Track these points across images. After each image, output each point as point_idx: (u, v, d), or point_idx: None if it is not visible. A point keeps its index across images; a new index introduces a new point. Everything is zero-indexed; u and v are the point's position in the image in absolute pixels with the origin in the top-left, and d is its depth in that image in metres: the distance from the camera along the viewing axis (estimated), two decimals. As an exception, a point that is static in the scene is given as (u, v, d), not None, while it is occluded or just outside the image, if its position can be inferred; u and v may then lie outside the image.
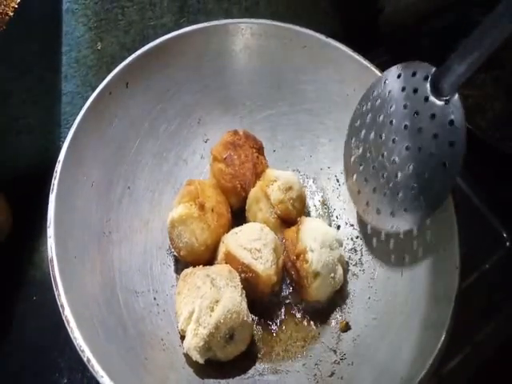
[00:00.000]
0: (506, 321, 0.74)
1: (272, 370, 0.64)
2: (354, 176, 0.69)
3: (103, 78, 0.68)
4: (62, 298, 0.53)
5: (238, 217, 0.73)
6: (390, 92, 0.62)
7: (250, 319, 0.62)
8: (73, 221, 0.60)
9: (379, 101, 0.64)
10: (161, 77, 0.74)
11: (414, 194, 0.60)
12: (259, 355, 0.65)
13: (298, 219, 0.69)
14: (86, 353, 0.50)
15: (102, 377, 0.50)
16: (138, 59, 0.70)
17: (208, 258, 0.68)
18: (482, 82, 0.92)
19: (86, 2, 0.73)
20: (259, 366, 0.64)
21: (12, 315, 0.70)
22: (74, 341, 0.51)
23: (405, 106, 0.60)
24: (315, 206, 0.78)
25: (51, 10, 0.71)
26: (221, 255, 0.66)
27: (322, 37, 0.75)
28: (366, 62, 0.72)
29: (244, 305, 0.61)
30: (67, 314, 0.52)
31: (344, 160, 0.71)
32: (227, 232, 0.69)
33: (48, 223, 0.57)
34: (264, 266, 0.64)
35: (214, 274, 0.62)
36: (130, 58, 0.70)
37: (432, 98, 0.56)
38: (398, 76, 0.61)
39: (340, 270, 0.67)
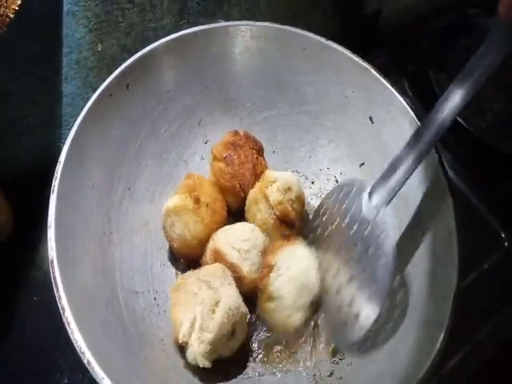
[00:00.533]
0: (505, 321, 0.74)
1: (271, 370, 0.64)
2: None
3: (104, 80, 0.68)
4: (63, 300, 0.53)
5: (238, 217, 0.73)
6: (334, 208, 0.66)
7: (246, 309, 0.62)
8: (73, 221, 0.61)
9: (326, 216, 0.68)
10: (161, 78, 0.74)
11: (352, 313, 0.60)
12: (259, 355, 0.65)
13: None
14: (87, 355, 0.50)
15: (103, 378, 0.50)
16: (139, 61, 0.71)
17: (200, 252, 0.69)
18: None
19: (87, 3, 0.73)
20: (259, 366, 0.64)
21: (13, 315, 0.70)
22: (75, 343, 0.51)
23: (344, 222, 0.64)
24: (314, 206, 0.78)
25: (52, 12, 0.71)
26: (208, 252, 0.67)
27: (322, 39, 0.75)
28: (364, 64, 0.72)
29: (240, 298, 0.62)
30: (68, 315, 0.52)
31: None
32: None
33: (48, 224, 0.57)
34: (250, 268, 0.65)
35: (208, 276, 0.62)
36: (130, 60, 0.70)
37: (364, 213, 0.61)
38: (340, 192, 0.66)
39: (301, 315, 0.64)
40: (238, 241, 0.66)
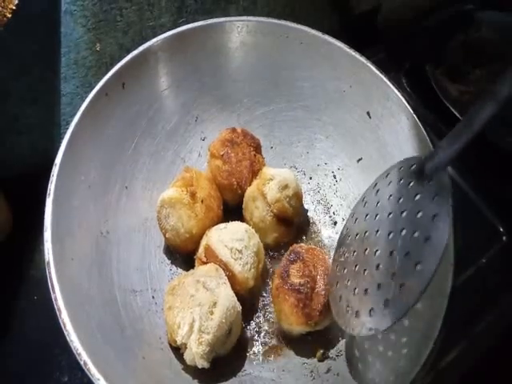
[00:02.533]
0: (503, 315, 0.73)
1: (269, 367, 0.64)
2: (337, 283, 0.62)
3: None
4: (59, 302, 0.54)
5: (235, 213, 0.73)
6: (377, 191, 0.60)
7: (240, 307, 0.63)
8: (70, 223, 0.61)
9: (367, 203, 0.61)
10: (157, 76, 0.74)
11: (394, 284, 0.52)
12: (256, 352, 0.66)
13: None
14: (83, 356, 0.51)
15: (99, 379, 0.50)
16: (135, 59, 0.71)
17: (192, 247, 0.70)
18: (479, 78, 0.92)
19: (85, 3, 0.73)
20: (256, 363, 0.64)
21: (13, 314, 0.71)
22: (71, 344, 0.52)
23: (390, 196, 0.57)
24: (312, 202, 0.78)
25: (50, 12, 0.72)
26: (201, 248, 0.67)
27: (319, 33, 0.75)
28: (362, 59, 0.72)
29: (235, 297, 0.62)
30: (64, 317, 0.53)
31: (331, 267, 0.66)
32: None
33: (45, 227, 0.57)
34: (242, 268, 0.65)
35: (203, 277, 0.62)
36: (126, 58, 0.70)
37: (415, 181, 0.54)
38: (387, 176, 0.59)
39: None
40: (231, 240, 0.66)
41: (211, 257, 0.65)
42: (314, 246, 0.69)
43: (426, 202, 0.52)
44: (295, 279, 0.64)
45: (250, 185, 0.72)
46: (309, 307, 0.62)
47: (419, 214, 0.52)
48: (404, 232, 0.53)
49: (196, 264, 0.68)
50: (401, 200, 0.55)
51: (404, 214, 0.54)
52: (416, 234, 0.51)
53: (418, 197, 0.53)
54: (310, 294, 0.63)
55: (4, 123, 0.75)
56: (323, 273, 0.64)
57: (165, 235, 0.69)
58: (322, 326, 0.64)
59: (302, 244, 0.69)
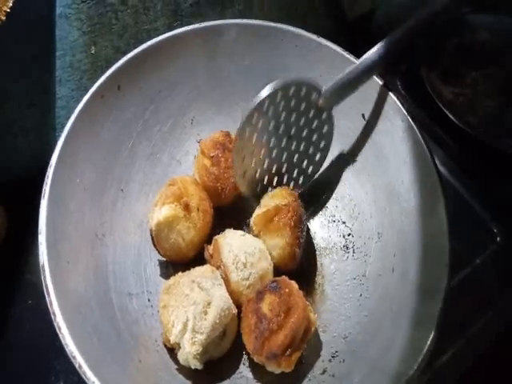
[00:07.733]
0: (498, 316, 0.73)
1: (264, 370, 0.63)
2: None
3: (97, 82, 0.69)
4: (54, 305, 0.53)
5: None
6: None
7: (236, 310, 0.62)
8: (65, 225, 0.61)
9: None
10: (153, 78, 0.74)
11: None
12: (251, 354, 0.65)
13: None
14: (78, 359, 0.51)
15: (94, 383, 0.50)
16: (130, 61, 0.71)
17: (193, 256, 0.69)
18: (474, 81, 0.92)
19: (80, 6, 0.73)
20: (252, 366, 0.64)
21: (7, 319, 0.71)
22: (66, 347, 0.52)
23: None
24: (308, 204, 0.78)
25: (44, 15, 0.72)
26: (213, 241, 0.67)
27: (313, 36, 0.75)
28: (356, 61, 0.72)
29: (230, 300, 0.62)
30: (59, 320, 0.53)
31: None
32: (212, 228, 0.70)
33: (39, 229, 0.57)
34: (240, 280, 0.63)
35: (199, 277, 0.62)
36: (121, 61, 0.70)
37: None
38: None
39: None
40: (239, 249, 0.64)
41: (215, 251, 0.65)
42: (298, 290, 0.62)
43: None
44: (265, 309, 0.60)
45: (234, 191, 0.72)
46: (261, 340, 0.58)
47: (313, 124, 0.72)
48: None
49: (205, 253, 0.68)
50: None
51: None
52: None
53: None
54: (267, 332, 0.58)
55: (0, 126, 0.75)
56: (293, 324, 0.58)
57: (165, 255, 0.69)
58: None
59: (285, 277, 0.63)
